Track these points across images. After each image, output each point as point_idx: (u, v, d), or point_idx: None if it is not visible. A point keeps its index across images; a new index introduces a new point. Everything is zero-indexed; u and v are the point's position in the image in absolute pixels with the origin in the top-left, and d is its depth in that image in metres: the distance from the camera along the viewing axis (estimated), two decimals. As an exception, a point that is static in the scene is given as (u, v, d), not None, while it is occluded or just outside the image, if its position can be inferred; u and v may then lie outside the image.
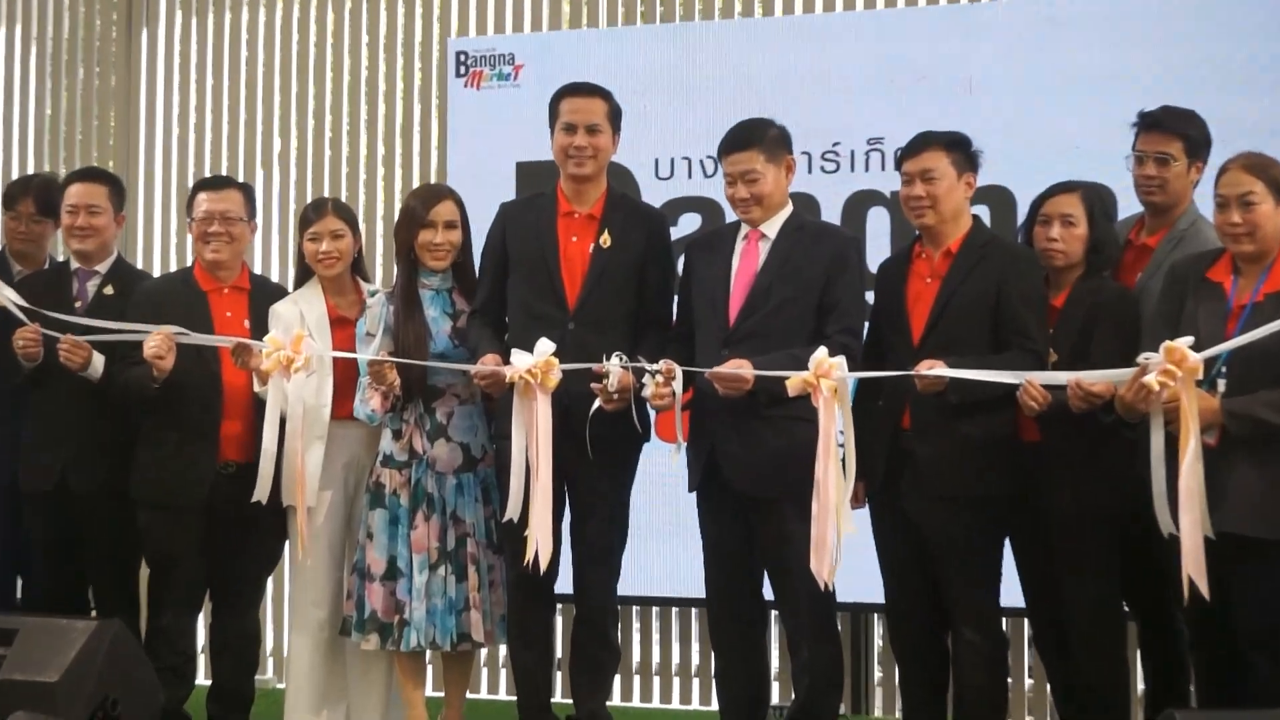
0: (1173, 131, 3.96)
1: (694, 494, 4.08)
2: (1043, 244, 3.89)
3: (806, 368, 3.65)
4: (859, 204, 5.20)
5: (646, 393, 3.80)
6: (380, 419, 4.12)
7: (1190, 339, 3.41)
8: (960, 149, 3.90)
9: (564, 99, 4.08)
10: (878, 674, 5.43)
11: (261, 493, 4.05)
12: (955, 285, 3.83)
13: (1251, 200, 3.51)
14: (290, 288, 4.49)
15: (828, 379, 3.60)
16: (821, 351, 3.63)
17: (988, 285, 3.82)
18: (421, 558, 4.11)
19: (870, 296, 4.16)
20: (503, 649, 5.31)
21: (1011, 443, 3.83)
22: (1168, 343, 3.40)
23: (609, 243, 4.00)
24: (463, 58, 5.61)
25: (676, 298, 4.12)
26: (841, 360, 3.64)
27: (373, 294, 4.26)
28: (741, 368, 3.73)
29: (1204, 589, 3.33)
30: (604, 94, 4.10)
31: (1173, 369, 3.36)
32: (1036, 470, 3.81)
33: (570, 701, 4.24)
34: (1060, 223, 3.86)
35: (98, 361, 4.28)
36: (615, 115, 4.11)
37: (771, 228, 3.96)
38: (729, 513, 3.94)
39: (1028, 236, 3.98)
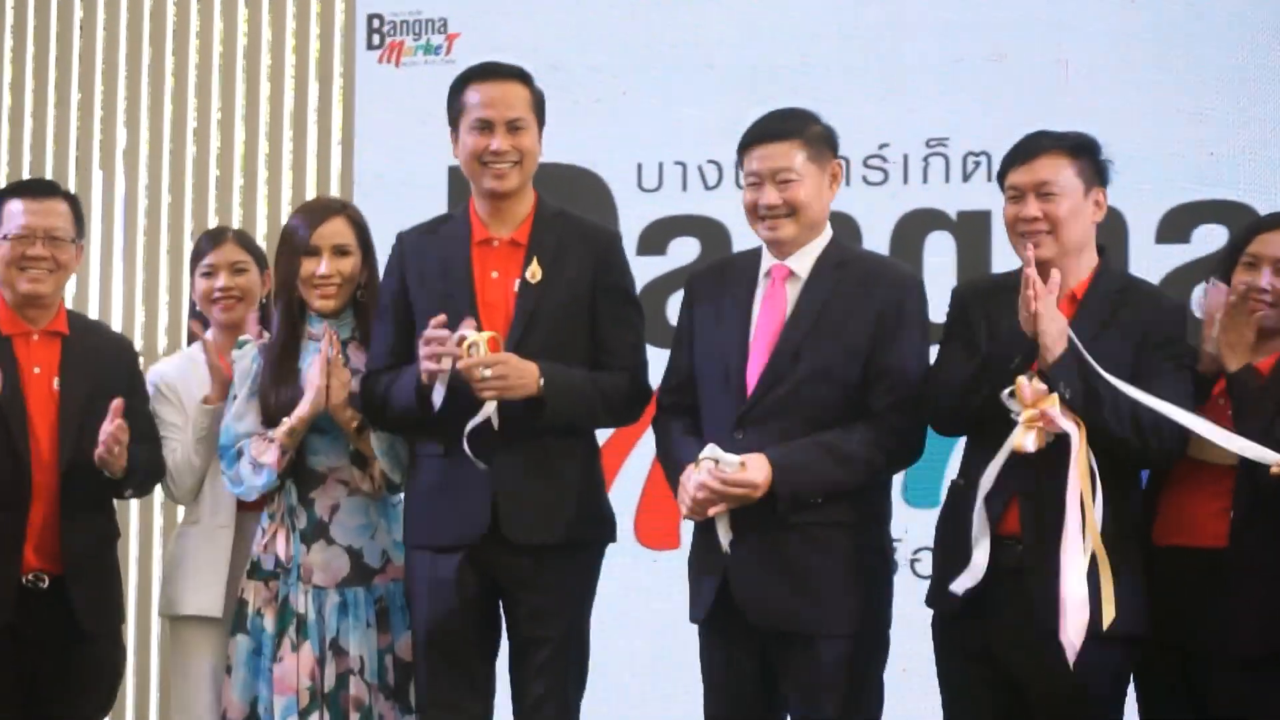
0: None
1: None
2: (1245, 295, 3.78)
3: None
4: (914, 228, 5.09)
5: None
6: (275, 483, 4.01)
7: None
8: (1088, 155, 3.76)
9: (469, 86, 3.99)
10: None
11: None
12: (1084, 343, 3.65)
13: None
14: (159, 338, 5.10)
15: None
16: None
17: (1126, 345, 3.66)
18: (287, 700, 3.96)
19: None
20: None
21: (1153, 553, 3.70)
22: None
23: (539, 275, 3.88)
24: (376, 23, 5.51)
25: (672, 352, 3.98)
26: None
27: (241, 344, 4.16)
28: (759, 468, 3.64)
29: None
30: (523, 76, 4.02)
31: None
32: (1211, 591, 3.66)
33: None
34: (1274, 269, 3.74)
35: None
36: (539, 106, 4.03)
37: (803, 261, 3.80)
38: (746, 651, 3.80)
39: (1225, 279, 3.85)
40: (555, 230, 3.99)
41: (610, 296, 3.97)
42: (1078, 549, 3.56)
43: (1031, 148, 3.76)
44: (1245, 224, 3.91)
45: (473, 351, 3.74)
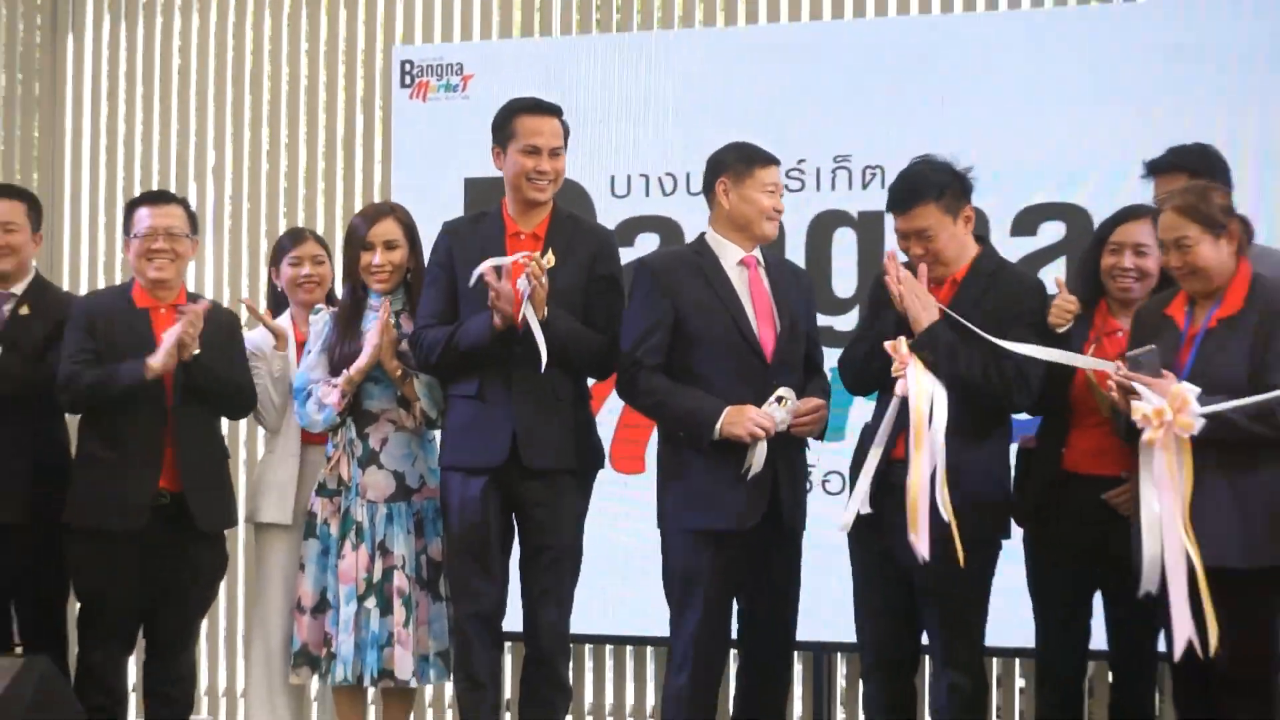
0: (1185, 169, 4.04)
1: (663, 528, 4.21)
2: (1113, 274, 4.00)
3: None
4: (824, 225, 5.36)
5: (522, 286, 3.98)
6: (335, 420, 4.27)
7: (1197, 390, 3.55)
8: (950, 191, 3.96)
9: (521, 116, 4.23)
10: (840, 717, 5.60)
11: None
12: (963, 315, 3.92)
13: (1186, 244, 3.67)
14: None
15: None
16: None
17: (994, 316, 3.93)
18: (349, 589, 4.26)
19: (824, 320, 4.45)
20: (449, 688, 5.41)
21: (1067, 477, 4.03)
22: (1175, 386, 3.53)
23: (553, 262, 4.09)
24: (408, 67, 5.73)
25: (648, 325, 4.13)
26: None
27: (316, 311, 4.47)
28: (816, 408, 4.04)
29: (1201, 647, 3.51)
30: (559, 111, 4.29)
31: (1163, 410, 3.53)
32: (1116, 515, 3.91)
33: (520, 744, 4.33)
34: (1134, 251, 3.97)
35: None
36: (567, 134, 4.30)
37: (757, 254, 4.16)
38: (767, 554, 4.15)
39: (1093, 264, 4.08)
40: (566, 228, 4.24)
41: (600, 282, 4.23)
42: (921, 449, 3.75)
43: (907, 199, 3.92)
44: (1108, 218, 4.07)
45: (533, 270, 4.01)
